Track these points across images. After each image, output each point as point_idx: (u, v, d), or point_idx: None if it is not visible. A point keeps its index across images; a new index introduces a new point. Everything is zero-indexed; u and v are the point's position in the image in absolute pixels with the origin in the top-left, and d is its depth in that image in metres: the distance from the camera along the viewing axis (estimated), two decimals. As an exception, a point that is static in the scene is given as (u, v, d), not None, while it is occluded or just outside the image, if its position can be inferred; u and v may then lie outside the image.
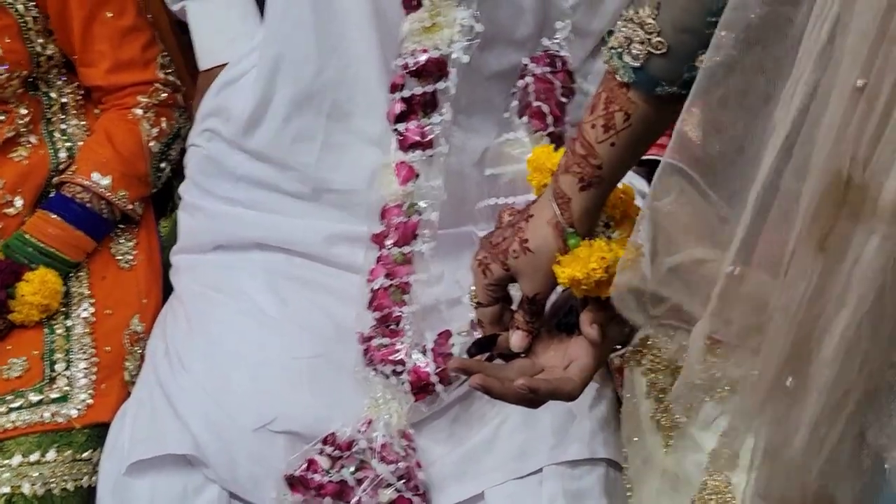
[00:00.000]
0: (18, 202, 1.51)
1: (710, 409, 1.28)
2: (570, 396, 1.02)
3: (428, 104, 1.25)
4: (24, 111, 1.52)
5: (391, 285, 1.27)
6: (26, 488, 1.35)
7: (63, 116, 1.57)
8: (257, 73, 1.37)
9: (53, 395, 1.41)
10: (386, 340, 1.27)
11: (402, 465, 1.25)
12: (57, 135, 1.56)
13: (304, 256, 1.39)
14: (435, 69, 1.24)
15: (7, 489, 1.34)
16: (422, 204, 1.27)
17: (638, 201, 1.33)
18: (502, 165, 1.31)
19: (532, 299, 1.01)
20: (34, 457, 1.37)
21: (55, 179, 1.53)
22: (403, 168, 1.27)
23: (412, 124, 1.26)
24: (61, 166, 1.54)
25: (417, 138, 1.26)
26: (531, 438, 1.32)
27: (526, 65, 1.32)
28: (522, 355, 1.04)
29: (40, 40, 1.50)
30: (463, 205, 1.35)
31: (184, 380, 1.33)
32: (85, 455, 1.40)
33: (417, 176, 1.27)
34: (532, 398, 1.01)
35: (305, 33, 1.34)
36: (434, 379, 1.26)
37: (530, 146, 1.29)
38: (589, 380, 1.04)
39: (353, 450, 1.26)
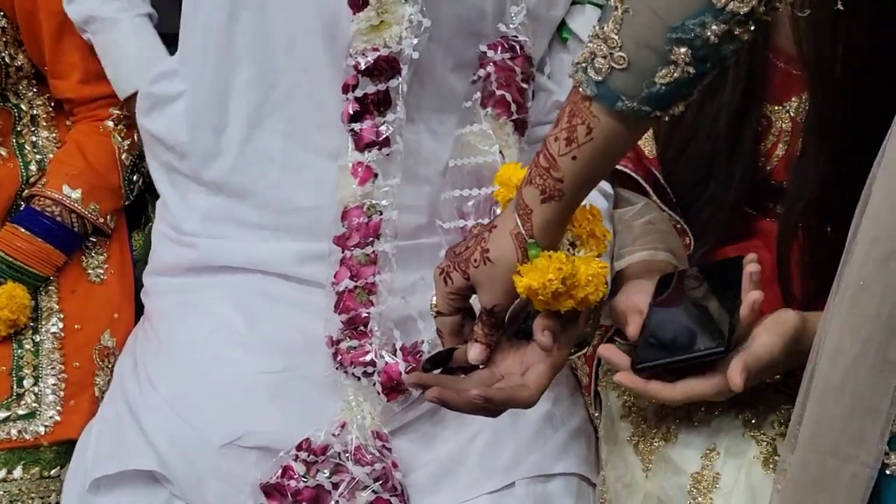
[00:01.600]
0: (-13, 216, 1.49)
1: (689, 431, 1.27)
2: (527, 403, 1.05)
3: (381, 102, 1.25)
4: (-8, 123, 1.52)
5: (356, 287, 1.26)
6: (-8, 506, 1.32)
7: (34, 128, 1.56)
8: (204, 103, 1.36)
9: (21, 412, 1.38)
10: (355, 343, 1.26)
11: (377, 466, 1.23)
12: (27, 147, 1.55)
13: (275, 276, 1.38)
14: (386, 67, 1.24)
15: (-27, 507, 1.31)
16: (382, 203, 1.27)
17: (599, 200, 1.34)
18: (466, 156, 1.30)
19: (491, 311, 1.02)
20: (1, 474, 1.34)
21: (25, 192, 1.51)
22: (361, 168, 1.26)
23: (367, 123, 1.25)
24: (32, 179, 1.53)
25: (373, 137, 1.25)
26: (504, 452, 1.31)
27: (484, 52, 1.32)
28: (481, 367, 1.06)
29: (10, 51, 1.50)
30: (435, 215, 1.34)
31: (151, 397, 1.32)
32: (53, 472, 1.37)
33: (376, 176, 1.27)
34: (488, 407, 1.03)
35: (248, 57, 1.33)
36: (405, 377, 1.24)
37: (494, 137, 1.29)
38: (545, 386, 1.06)
39: (328, 454, 1.24)
